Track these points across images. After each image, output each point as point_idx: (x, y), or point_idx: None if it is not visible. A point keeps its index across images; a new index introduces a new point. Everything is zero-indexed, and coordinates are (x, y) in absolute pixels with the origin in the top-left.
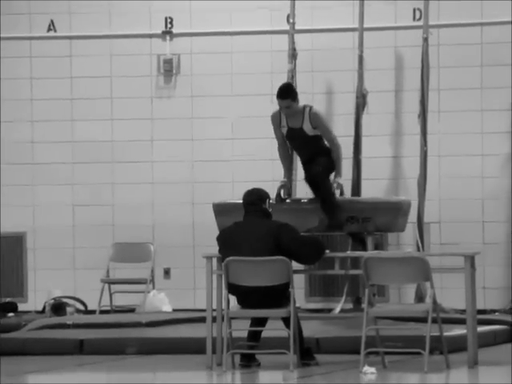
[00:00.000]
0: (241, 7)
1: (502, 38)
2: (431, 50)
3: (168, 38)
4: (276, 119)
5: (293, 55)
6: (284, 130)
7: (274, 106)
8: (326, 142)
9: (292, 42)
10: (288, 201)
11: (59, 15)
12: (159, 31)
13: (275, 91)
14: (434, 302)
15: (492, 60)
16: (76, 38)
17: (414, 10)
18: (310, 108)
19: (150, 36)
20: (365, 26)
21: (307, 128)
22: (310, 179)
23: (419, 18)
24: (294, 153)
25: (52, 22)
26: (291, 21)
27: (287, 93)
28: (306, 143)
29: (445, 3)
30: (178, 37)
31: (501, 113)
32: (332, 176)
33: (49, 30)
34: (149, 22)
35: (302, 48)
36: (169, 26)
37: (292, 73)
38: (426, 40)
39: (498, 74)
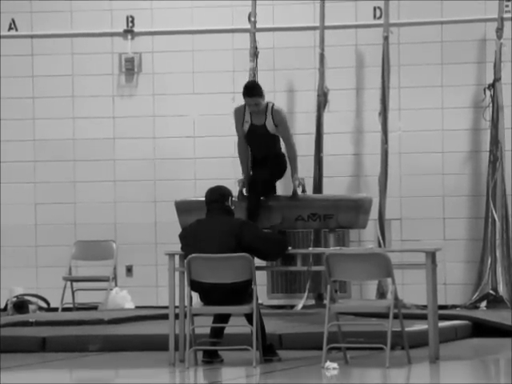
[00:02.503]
0: (202, 6)
1: (462, 36)
2: (392, 49)
3: (129, 36)
4: (240, 114)
5: (254, 53)
6: (246, 126)
7: (235, 104)
8: (281, 147)
9: (253, 41)
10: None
11: (20, 14)
12: (121, 30)
13: (237, 89)
14: (396, 297)
15: (452, 58)
16: (37, 36)
17: (375, 9)
18: (273, 105)
19: (112, 35)
20: (326, 24)
21: (269, 125)
22: (254, 180)
23: (379, 17)
24: None
25: (13, 20)
26: (252, 19)
27: (255, 90)
28: (265, 141)
29: (405, 2)
30: (140, 35)
31: (461, 110)
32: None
33: (10, 28)
34: (110, 21)
35: (264, 46)
36: (130, 24)
37: (253, 71)
38: (386, 38)
39: (459, 72)
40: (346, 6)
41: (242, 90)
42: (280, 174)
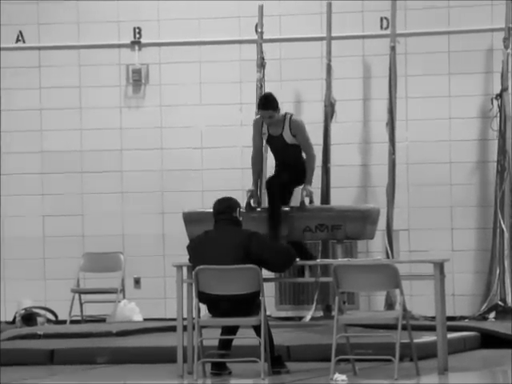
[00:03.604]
0: (209, 17)
1: (469, 46)
2: (399, 59)
3: (137, 48)
4: (258, 126)
5: (261, 64)
6: (264, 137)
7: (242, 114)
8: (303, 154)
9: (260, 52)
10: (258, 209)
11: (28, 26)
12: (128, 41)
13: (244, 100)
14: (404, 309)
15: (459, 68)
16: (45, 48)
17: (382, 19)
18: (291, 116)
19: (119, 46)
20: (332, 35)
21: (287, 136)
22: (272, 183)
23: (386, 27)
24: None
25: (21, 32)
26: (259, 30)
27: (269, 103)
28: (285, 151)
29: (412, 12)
30: (147, 47)
31: (468, 120)
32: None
33: (17, 40)
34: (117, 33)
35: (271, 57)
36: (137, 36)
37: (260, 82)
38: (393, 49)
39: (466, 82)
40: (352, 17)
41: (258, 101)
42: (298, 180)
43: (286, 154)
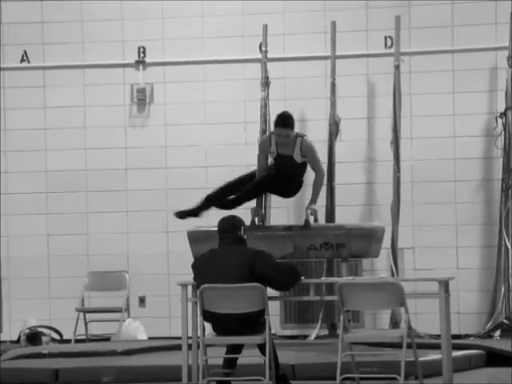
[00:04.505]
0: (213, 36)
1: (474, 65)
2: (403, 77)
3: (141, 67)
4: (266, 145)
5: (266, 83)
6: (272, 155)
7: (247, 133)
8: (303, 179)
9: (265, 70)
10: (262, 227)
11: (32, 46)
12: (132, 61)
13: (248, 119)
14: (409, 327)
15: (463, 87)
16: (49, 68)
17: (386, 38)
18: (303, 138)
19: (124, 65)
20: (337, 53)
21: (297, 157)
22: (268, 176)
23: (391, 46)
24: None
25: (25, 52)
26: (264, 49)
27: (289, 122)
28: (292, 169)
29: (416, 31)
30: (151, 66)
31: (473, 139)
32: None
33: (22, 60)
34: (122, 52)
35: (275, 76)
36: (142, 55)
37: (265, 101)
38: (397, 67)
39: (470, 100)
40: (357, 36)
41: (275, 118)
42: (285, 192)
43: (294, 171)
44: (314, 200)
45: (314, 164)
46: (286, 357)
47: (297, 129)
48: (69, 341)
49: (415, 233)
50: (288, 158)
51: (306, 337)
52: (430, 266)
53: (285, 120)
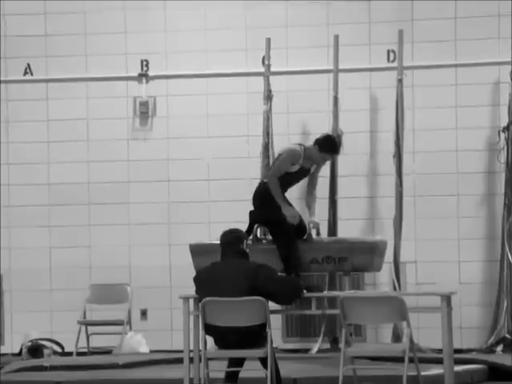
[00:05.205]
0: (216, 49)
1: (476, 79)
2: (406, 91)
3: (144, 80)
4: (299, 156)
5: (268, 97)
6: (295, 168)
7: (249, 146)
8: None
9: (267, 84)
10: (265, 241)
11: (36, 59)
12: (135, 74)
13: (251, 132)
14: (411, 341)
15: (466, 101)
16: (52, 81)
17: (388, 52)
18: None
19: (127, 79)
20: (339, 67)
21: (312, 167)
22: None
23: (393, 60)
24: None
25: (28, 65)
26: (266, 63)
27: (339, 149)
28: (300, 180)
29: (419, 45)
30: (154, 79)
31: (475, 153)
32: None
33: (25, 73)
34: (125, 65)
35: (278, 89)
36: (145, 68)
37: (267, 114)
38: (400, 81)
39: (473, 114)
40: (359, 50)
41: (325, 143)
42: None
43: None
44: (313, 213)
45: (316, 174)
46: (288, 370)
47: (299, 142)
48: (70, 353)
49: (417, 247)
50: (307, 170)
51: (307, 350)
52: (432, 280)
53: (339, 148)
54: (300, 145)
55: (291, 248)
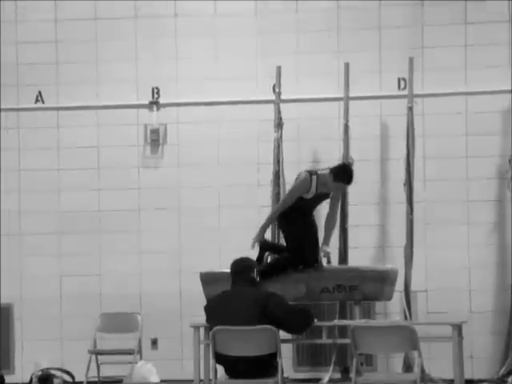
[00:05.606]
0: (227, 77)
1: (487, 107)
2: (416, 119)
3: (155, 108)
4: (307, 185)
5: (279, 124)
6: (309, 195)
7: (260, 174)
8: None
9: (278, 112)
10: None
11: (47, 86)
12: (146, 101)
13: (261, 160)
14: (422, 371)
15: (476, 129)
16: (63, 109)
17: (399, 80)
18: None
19: (138, 106)
20: (350, 95)
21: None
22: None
23: (404, 88)
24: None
25: (40, 93)
26: (277, 90)
27: (353, 179)
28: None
29: (429, 73)
30: (165, 107)
31: (486, 181)
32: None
33: (37, 101)
34: (136, 93)
35: (288, 117)
36: (155, 96)
37: (278, 142)
38: (410, 109)
39: (483, 143)
40: (370, 77)
41: (340, 172)
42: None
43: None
44: (327, 240)
45: (337, 202)
46: None
47: (312, 168)
48: (81, 383)
49: (428, 275)
50: (325, 194)
51: (318, 380)
52: (442, 309)
53: (352, 178)
54: (312, 172)
55: (286, 261)
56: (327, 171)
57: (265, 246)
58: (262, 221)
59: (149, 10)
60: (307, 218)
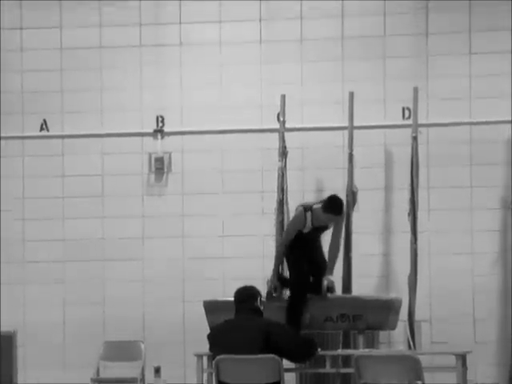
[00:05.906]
0: (231, 106)
1: (491, 137)
2: (420, 149)
3: (159, 136)
4: (302, 221)
5: (283, 153)
6: (307, 229)
7: (264, 203)
8: None
9: (282, 140)
10: (279, 299)
11: (52, 114)
12: (151, 130)
13: (265, 188)
14: None
15: (481, 159)
16: (68, 137)
17: (403, 109)
18: None
19: (142, 135)
20: (354, 124)
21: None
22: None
23: (408, 117)
24: None
25: (45, 121)
26: (281, 119)
27: (342, 210)
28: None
29: (434, 102)
30: (170, 135)
31: (490, 211)
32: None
33: (41, 129)
34: (140, 121)
35: (292, 146)
36: (160, 124)
37: (282, 170)
38: (415, 138)
39: (488, 172)
40: (374, 106)
41: (328, 204)
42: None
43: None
44: (330, 271)
45: (339, 234)
46: None
47: (314, 199)
48: None
49: (432, 304)
50: (324, 227)
51: None
52: (447, 338)
53: (342, 209)
54: (307, 207)
55: (291, 305)
56: (320, 205)
57: (285, 283)
58: (266, 251)
59: (153, 38)
60: (308, 249)
